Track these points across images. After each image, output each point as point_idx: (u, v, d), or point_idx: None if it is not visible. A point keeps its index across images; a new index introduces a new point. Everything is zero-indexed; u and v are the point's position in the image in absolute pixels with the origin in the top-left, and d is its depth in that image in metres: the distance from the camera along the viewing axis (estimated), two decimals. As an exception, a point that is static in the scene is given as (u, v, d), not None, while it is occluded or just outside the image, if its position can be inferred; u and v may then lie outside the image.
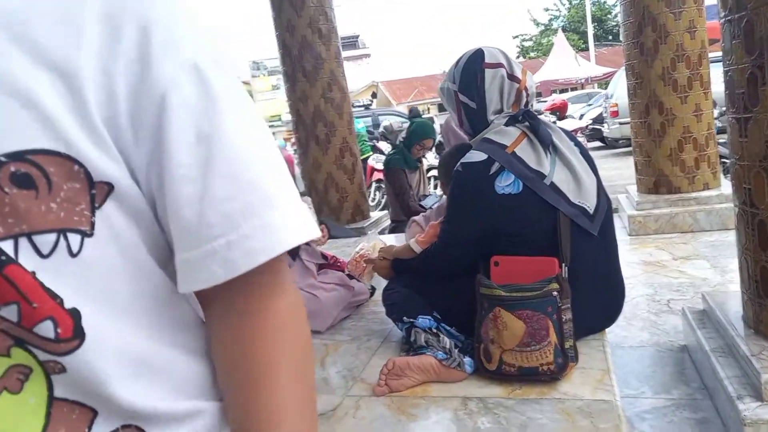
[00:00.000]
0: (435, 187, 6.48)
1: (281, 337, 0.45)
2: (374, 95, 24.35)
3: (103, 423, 0.42)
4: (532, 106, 1.74)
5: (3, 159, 0.36)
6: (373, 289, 2.53)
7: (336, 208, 4.70)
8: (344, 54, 4.98)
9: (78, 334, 0.39)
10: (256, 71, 20.44)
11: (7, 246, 0.37)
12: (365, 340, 2.11)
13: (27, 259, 0.38)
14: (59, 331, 0.39)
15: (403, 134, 4.82)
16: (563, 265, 1.54)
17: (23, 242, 0.37)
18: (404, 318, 1.82)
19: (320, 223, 2.64)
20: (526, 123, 1.65)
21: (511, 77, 1.69)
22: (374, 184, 7.12)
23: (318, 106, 4.56)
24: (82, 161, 0.39)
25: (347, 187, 4.74)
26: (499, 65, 1.70)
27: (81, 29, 0.38)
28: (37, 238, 0.38)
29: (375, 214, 5.05)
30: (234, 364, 0.46)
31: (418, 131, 4.48)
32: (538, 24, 31.32)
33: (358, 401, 1.65)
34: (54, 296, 0.39)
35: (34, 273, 0.38)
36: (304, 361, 0.47)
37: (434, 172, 6.54)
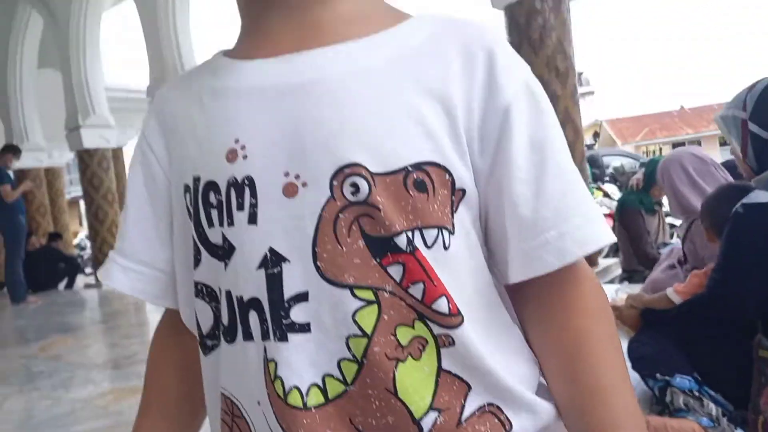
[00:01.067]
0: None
1: (597, 315, 0.50)
2: (596, 135, 23.06)
3: (475, 397, 0.48)
4: None
5: (409, 168, 0.46)
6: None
7: (562, 252, 4.53)
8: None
9: (460, 312, 0.47)
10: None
11: (411, 236, 0.46)
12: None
13: (421, 247, 0.47)
14: (450, 307, 0.47)
15: (638, 175, 4.48)
16: None
17: (417, 234, 0.46)
18: (658, 375, 1.68)
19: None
20: None
21: None
22: (597, 229, 6.69)
23: (549, 147, 4.51)
24: (452, 171, 0.48)
25: (575, 230, 4.54)
26: None
27: (448, 62, 0.49)
28: (426, 232, 0.47)
29: (604, 262, 4.75)
30: (561, 347, 0.50)
31: None
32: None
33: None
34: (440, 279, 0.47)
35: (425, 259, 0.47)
36: (616, 334, 0.52)
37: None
